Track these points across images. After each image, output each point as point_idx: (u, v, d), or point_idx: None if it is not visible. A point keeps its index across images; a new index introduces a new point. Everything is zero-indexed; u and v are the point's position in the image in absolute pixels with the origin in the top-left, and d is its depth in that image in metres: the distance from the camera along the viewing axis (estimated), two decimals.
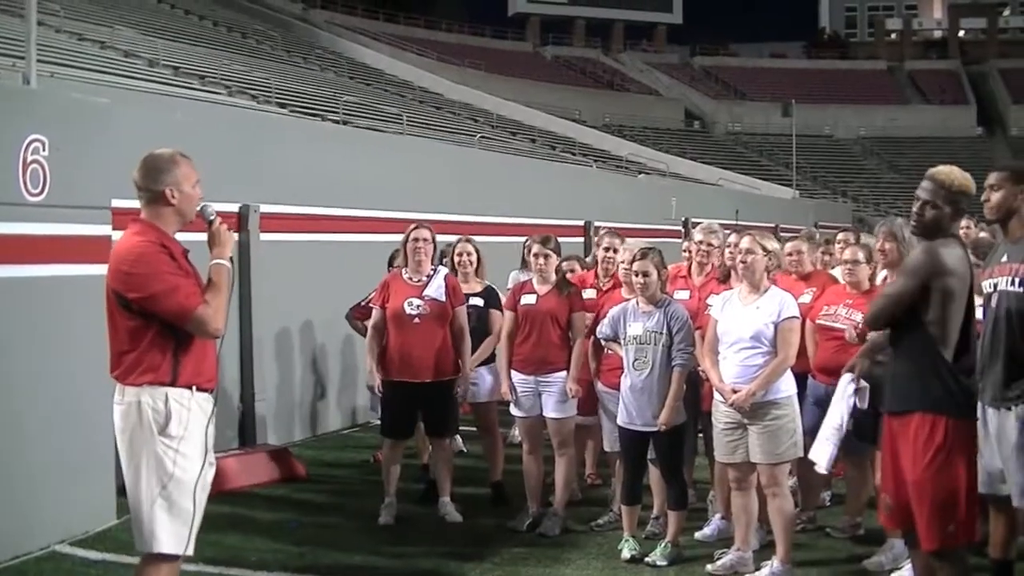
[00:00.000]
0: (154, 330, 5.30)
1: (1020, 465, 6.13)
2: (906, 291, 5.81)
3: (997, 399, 6.18)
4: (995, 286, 6.31)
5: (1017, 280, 6.16)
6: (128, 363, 5.33)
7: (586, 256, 12.73)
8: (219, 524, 8.59)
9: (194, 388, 5.40)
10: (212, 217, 5.64)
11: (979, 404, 6.16)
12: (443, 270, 9.23)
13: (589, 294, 9.30)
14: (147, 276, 5.26)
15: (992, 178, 6.33)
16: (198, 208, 5.60)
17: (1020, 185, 6.27)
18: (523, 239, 10.58)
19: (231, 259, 5.60)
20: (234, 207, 11.57)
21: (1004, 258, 6.32)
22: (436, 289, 8.95)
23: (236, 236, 11.16)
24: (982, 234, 9.18)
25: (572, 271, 9.66)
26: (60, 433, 8.13)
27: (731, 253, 8.25)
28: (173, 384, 5.32)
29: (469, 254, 9.87)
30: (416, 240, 9.01)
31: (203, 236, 5.63)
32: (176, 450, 5.30)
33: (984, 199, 6.36)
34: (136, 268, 5.28)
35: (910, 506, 5.83)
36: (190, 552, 5.43)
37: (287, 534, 8.65)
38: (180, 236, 5.59)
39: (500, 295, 9.62)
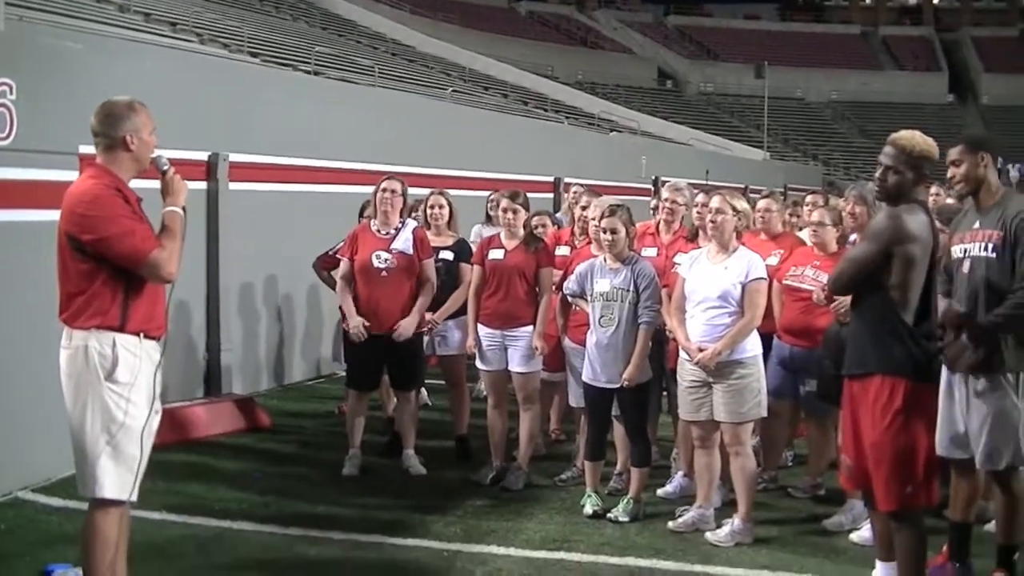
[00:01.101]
0: (105, 274, 5.29)
1: (986, 430, 6.19)
2: (869, 256, 5.84)
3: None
4: (966, 251, 6.35)
5: (991, 245, 6.20)
6: (77, 306, 5.33)
7: (556, 212, 12.74)
8: (183, 473, 8.63)
9: (142, 335, 5.40)
10: (165, 167, 5.65)
11: (945, 369, 6.22)
12: (411, 223, 9.19)
13: (564, 251, 9.30)
14: (102, 219, 5.25)
15: (953, 154, 6.39)
16: (152, 157, 5.59)
17: (979, 153, 6.33)
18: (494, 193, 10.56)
19: (183, 208, 5.58)
20: (203, 155, 11.50)
21: (976, 224, 6.36)
22: (404, 242, 8.94)
23: (204, 185, 11.25)
24: (949, 200, 9.22)
25: (543, 226, 9.65)
26: (21, 378, 8.11)
27: (700, 212, 8.27)
28: (121, 329, 5.32)
29: (441, 207, 9.81)
30: (385, 191, 8.98)
31: (154, 184, 5.63)
32: (126, 398, 5.31)
33: (950, 176, 6.41)
34: (91, 210, 5.27)
35: (869, 467, 5.89)
36: (134, 498, 5.46)
37: (251, 484, 8.67)
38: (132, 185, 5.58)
39: (472, 248, 9.57)
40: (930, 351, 5.86)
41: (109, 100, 5.53)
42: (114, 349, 5.30)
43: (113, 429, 5.29)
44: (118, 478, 5.33)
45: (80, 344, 5.31)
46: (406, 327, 8.87)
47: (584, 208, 9.25)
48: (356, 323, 8.88)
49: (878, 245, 5.79)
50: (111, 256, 5.26)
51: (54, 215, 7.83)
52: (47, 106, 8.38)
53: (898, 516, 5.86)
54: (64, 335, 5.39)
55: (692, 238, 8.54)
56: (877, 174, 5.95)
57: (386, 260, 8.86)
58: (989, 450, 6.21)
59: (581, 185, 11.20)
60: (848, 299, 6.71)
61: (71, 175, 8.30)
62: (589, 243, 8.88)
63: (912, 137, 5.92)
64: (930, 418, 5.88)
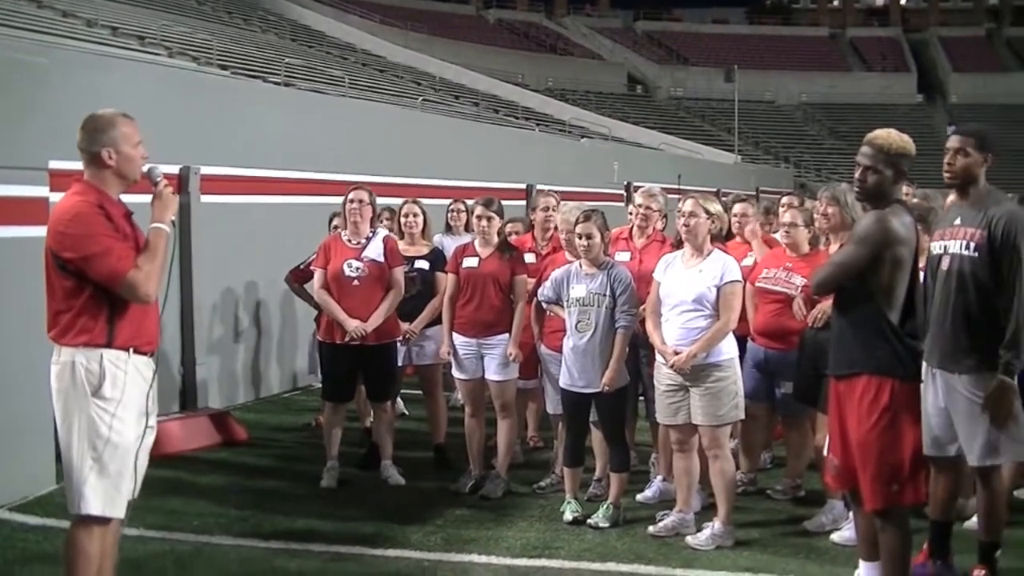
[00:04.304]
0: (89, 291, 5.24)
1: (972, 428, 6.20)
2: (857, 260, 5.81)
3: (947, 363, 6.26)
4: (946, 248, 6.36)
5: (972, 244, 6.22)
6: (64, 323, 5.28)
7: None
8: (160, 488, 8.55)
9: (131, 350, 5.34)
10: (158, 179, 5.58)
11: (924, 365, 6.21)
12: (382, 232, 9.19)
13: (529, 258, 9.27)
14: (81, 237, 5.19)
15: (957, 141, 6.35)
16: (144, 169, 5.53)
17: (985, 153, 6.32)
18: (469, 201, 10.52)
19: (173, 223, 5.52)
20: (174, 169, 11.44)
21: (957, 221, 6.37)
22: (375, 251, 8.92)
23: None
24: (914, 199, 9.22)
25: (516, 233, 9.66)
26: None
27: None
28: (109, 346, 5.27)
29: (415, 215, 9.81)
30: (353, 201, 8.97)
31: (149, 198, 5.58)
32: (112, 413, 5.26)
33: (948, 162, 6.37)
34: (70, 228, 5.22)
35: (855, 466, 5.89)
36: (121, 515, 5.41)
37: (229, 498, 8.61)
38: (131, 198, 5.54)
39: (447, 257, 9.54)
40: (916, 349, 5.87)
41: (92, 114, 5.45)
42: (101, 365, 5.25)
43: (99, 445, 5.25)
44: (104, 494, 5.28)
45: (68, 360, 5.26)
46: (369, 324, 8.82)
47: (544, 211, 9.30)
48: (354, 325, 8.80)
49: (867, 249, 5.77)
50: (90, 275, 5.21)
51: (24, 231, 7.82)
52: (14, 122, 8.32)
53: (884, 515, 5.85)
54: (54, 351, 5.34)
55: (678, 246, 8.42)
56: (856, 175, 5.93)
57: (358, 269, 8.85)
58: (991, 446, 6.21)
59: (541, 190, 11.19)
60: (827, 304, 6.73)
61: (41, 191, 8.33)
62: (555, 249, 8.89)
63: (888, 135, 5.91)
64: (916, 416, 5.87)
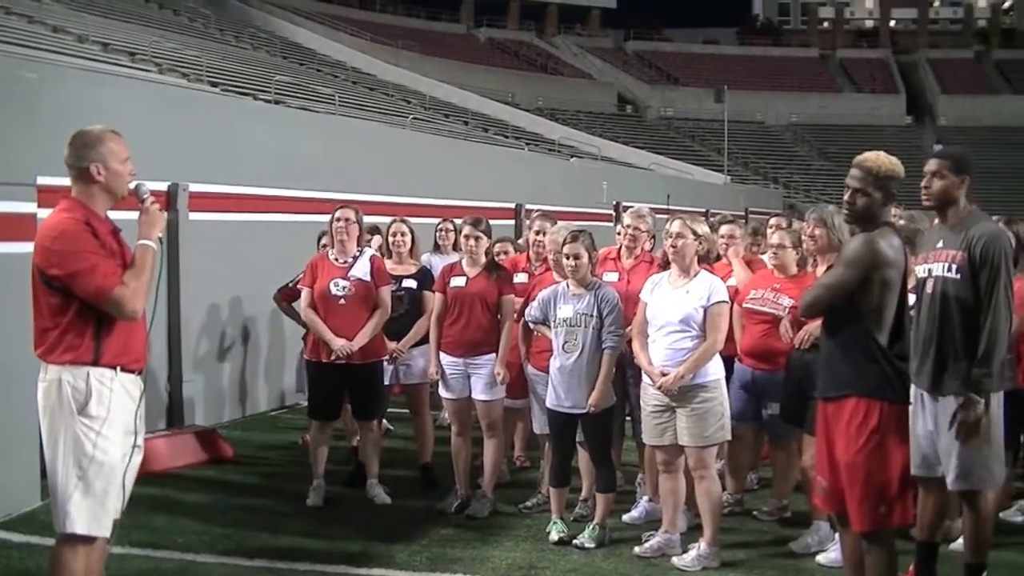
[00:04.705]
0: (75, 308, 5.23)
1: (949, 450, 6.22)
2: (846, 282, 5.84)
3: (933, 387, 6.28)
4: (930, 271, 6.39)
5: (954, 267, 6.26)
6: (50, 341, 5.26)
7: (518, 239, 12.75)
8: (146, 506, 8.53)
9: (118, 368, 5.33)
10: (145, 196, 5.57)
11: (913, 388, 6.23)
12: (368, 251, 9.19)
13: (521, 278, 9.27)
14: (67, 253, 5.18)
15: (933, 165, 6.42)
16: (132, 186, 5.52)
17: (961, 176, 6.36)
18: (458, 221, 10.51)
19: (160, 240, 5.52)
20: (163, 185, 11.44)
21: (940, 244, 6.41)
22: (362, 270, 8.92)
23: (163, 216, 11.17)
24: (900, 221, 9.24)
25: (505, 253, 9.65)
26: None
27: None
28: (95, 363, 5.25)
29: (403, 234, 9.81)
30: (339, 220, 8.97)
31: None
32: (97, 431, 5.24)
33: (924, 185, 6.43)
34: (56, 245, 5.21)
35: (843, 488, 5.89)
36: (106, 534, 5.38)
37: (214, 516, 8.58)
38: (118, 214, 5.53)
39: (434, 276, 9.53)
40: (904, 371, 5.89)
41: (80, 130, 5.45)
42: (87, 382, 5.23)
43: (84, 463, 5.22)
44: (89, 513, 5.26)
45: (54, 378, 5.25)
46: (355, 344, 8.79)
47: (538, 233, 9.27)
48: (340, 344, 8.78)
49: (856, 271, 5.79)
50: (76, 292, 5.19)
51: (11, 247, 7.80)
52: (2, 137, 8.31)
53: (871, 536, 5.86)
54: (41, 369, 5.33)
55: (666, 266, 8.40)
56: (845, 197, 5.96)
57: (344, 288, 8.84)
58: (962, 470, 6.24)
59: (538, 211, 11.18)
60: (814, 326, 6.75)
61: (29, 207, 8.31)
62: (547, 270, 8.89)
63: (877, 158, 5.94)
64: (903, 438, 5.89)
